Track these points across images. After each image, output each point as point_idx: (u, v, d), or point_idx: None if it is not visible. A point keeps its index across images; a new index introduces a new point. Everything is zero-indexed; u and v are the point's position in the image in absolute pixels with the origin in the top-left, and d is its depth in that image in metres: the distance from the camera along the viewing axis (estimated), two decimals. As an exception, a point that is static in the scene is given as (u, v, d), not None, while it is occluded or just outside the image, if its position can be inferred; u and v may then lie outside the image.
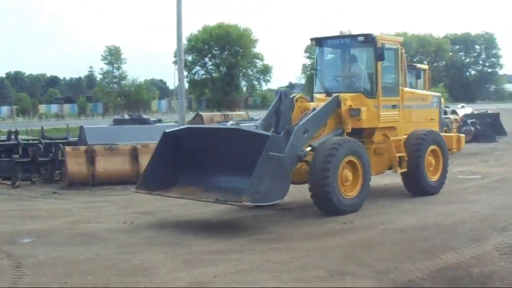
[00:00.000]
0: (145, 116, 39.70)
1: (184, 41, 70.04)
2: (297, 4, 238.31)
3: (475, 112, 40.51)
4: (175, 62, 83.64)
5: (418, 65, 28.33)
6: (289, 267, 9.97)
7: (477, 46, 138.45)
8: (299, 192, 14.56)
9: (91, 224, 13.71)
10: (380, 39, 15.97)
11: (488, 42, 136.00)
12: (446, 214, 14.09)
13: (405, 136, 16.59)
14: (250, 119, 36.95)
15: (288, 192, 13.13)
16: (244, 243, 11.62)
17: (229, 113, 52.52)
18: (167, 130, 14.86)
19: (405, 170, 16.32)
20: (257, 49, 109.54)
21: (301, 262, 10.27)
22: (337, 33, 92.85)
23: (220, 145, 13.74)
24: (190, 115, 53.47)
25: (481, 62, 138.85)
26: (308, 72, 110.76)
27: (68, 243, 11.82)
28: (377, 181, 15.49)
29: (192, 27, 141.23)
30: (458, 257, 10.35)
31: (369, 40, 15.82)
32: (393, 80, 16.62)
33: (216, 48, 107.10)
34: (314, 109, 15.20)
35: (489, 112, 40.91)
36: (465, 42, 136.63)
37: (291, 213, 14.64)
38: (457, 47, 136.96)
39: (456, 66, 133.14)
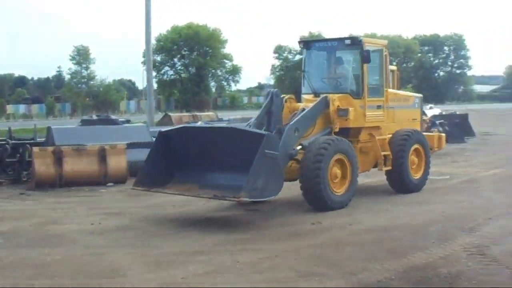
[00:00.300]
0: (113, 117, 39.27)
1: (153, 41, 69.78)
2: (265, 4, 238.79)
3: (443, 113, 40.75)
4: (143, 63, 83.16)
5: (387, 66, 28.39)
6: (258, 268, 9.97)
7: (445, 47, 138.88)
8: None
9: (59, 225, 13.59)
10: (366, 42, 16.49)
11: (457, 44, 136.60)
12: (414, 215, 14.20)
13: (390, 136, 17.09)
14: (219, 120, 36.93)
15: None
16: (213, 244, 11.59)
17: (198, 113, 52.43)
18: (162, 130, 15.35)
19: (389, 168, 16.81)
20: (226, 49, 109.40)
21: (270, 263, 10.28)
22: (306, 35, 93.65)
23: (214, 143, 14.03)
24: (159, 116, 53.36)
25: (449, 63, 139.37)
26: (277, 73, 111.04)
27: (35, 245, 11.71)
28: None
29: (161, 27, 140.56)
30: (426, 258, 10.42)
31: (355, 43, 16.36)
32: (378, 81, 17.20)
33: (185, 49, 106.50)
34: (303, 109, 15.61)
35: (458, 113, 41.12)
36: (434, 43, 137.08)
37: (260, 214, 14.64)
38: (426, 48, 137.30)
39: (425, 67, 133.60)
